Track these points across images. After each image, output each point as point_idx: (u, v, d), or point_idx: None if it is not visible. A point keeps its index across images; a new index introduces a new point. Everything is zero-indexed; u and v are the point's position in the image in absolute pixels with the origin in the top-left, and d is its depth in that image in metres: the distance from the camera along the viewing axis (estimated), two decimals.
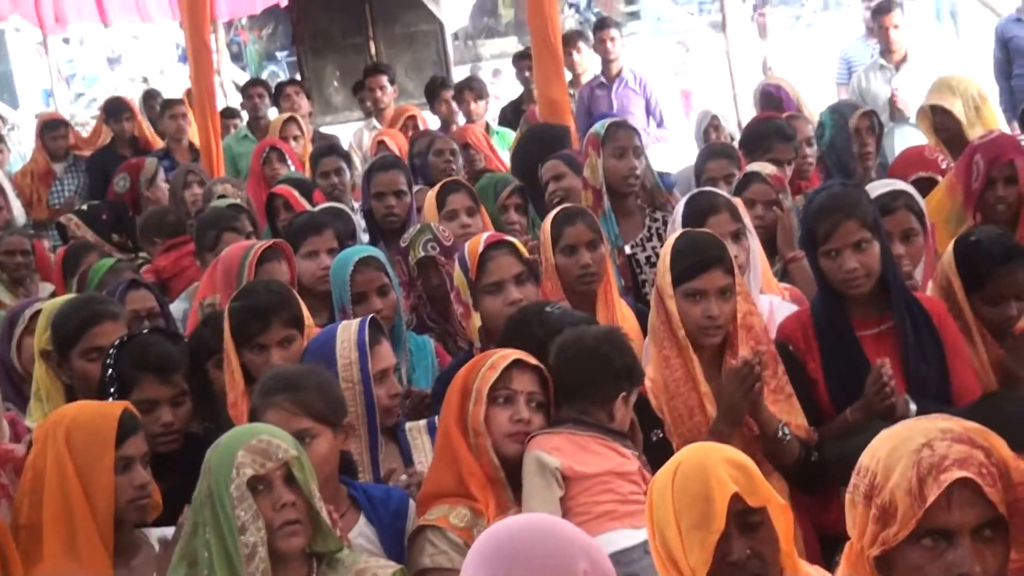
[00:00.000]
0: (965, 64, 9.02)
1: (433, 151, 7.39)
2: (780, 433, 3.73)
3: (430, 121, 9.85)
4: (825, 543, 3.67)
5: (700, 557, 2.62)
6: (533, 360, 3.51)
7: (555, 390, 3.54)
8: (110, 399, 3.84)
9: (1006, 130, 7.45)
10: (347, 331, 3.80)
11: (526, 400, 3.47)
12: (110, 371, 3.91)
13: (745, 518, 2.69)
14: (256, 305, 4.05)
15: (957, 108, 6.31)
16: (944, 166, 5.58)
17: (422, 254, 4.83)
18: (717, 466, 2.70)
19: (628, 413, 3.54)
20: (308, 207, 6.27)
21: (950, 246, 4.15)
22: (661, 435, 3.76)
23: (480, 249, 4.22)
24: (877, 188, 4.54)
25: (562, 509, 3.33)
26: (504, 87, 12.44)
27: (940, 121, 6.37)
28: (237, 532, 2.95)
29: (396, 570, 3.14)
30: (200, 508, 3.03)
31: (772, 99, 7.07)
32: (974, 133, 5.86)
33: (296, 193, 6.46)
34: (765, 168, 5.43)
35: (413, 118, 9.42)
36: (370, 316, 3.95)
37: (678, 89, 9.56)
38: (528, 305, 4.04)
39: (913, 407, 3.71)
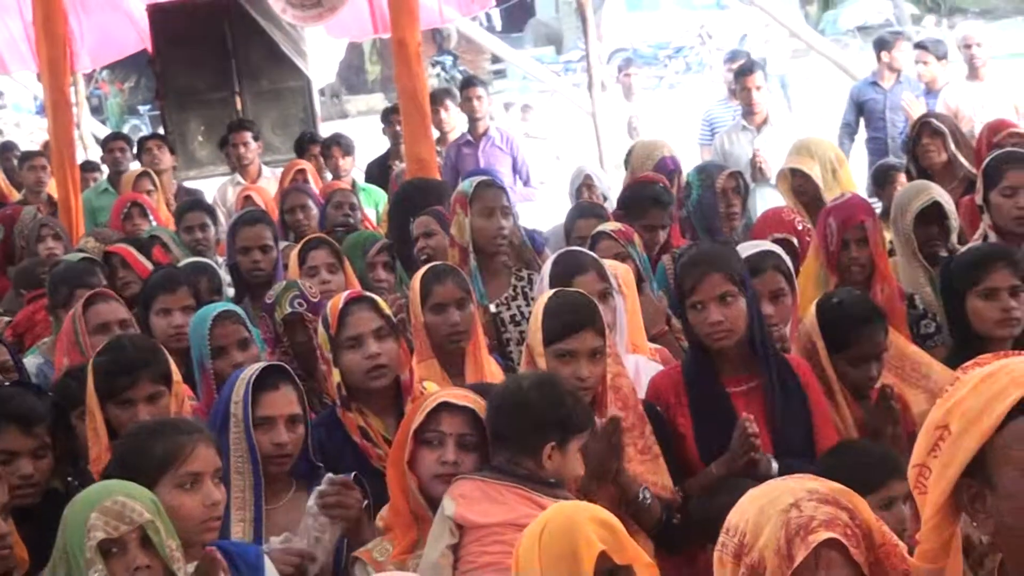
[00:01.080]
0: (819, 127, 9.26)
1: (332, 203, 7.37)
2: (641, 497, 3.76)
3: None
4: None
5: None
6: (463, 401, 3.55)
7: (489, 435, 3.55)
8: None
9: (862, 192, 7.66)
10: (249, 371, 3.81)
11: (455, 442, 3.51)
12: None
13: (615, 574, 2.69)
14: (123, 360, 4.00)
15: (815, 172, 6.46)
16: (800, 228, 5.70)
17: (288, 311, 4.78)
18: (584, 524, 2.71)
19: (567, 462, 3.50)
20: (148, 265, 6.20)
21: (812, 308, 4.23)
22: None
23: (340, 305, 4.20)
24: (746, 249, 4.61)
25: (455, 556, 3.38)
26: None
27: (799, 184, 6.52)
28: None
29: None
30: (56, 567, 2.97)
31: (668, 171, 7.11)
32: (831, 195, 5.99)
33: (133, 251, 6.37)
34: (609, 225, 5.47)
35: (303, 172, 9.37)
36: (277, 362, 3.94)
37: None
38: (365, 366, 4.05)
39: (775, 466, 3.77)
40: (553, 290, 4.12)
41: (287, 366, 3.98)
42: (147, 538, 2.96)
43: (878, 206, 6.87)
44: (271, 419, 3.75)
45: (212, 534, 3.29)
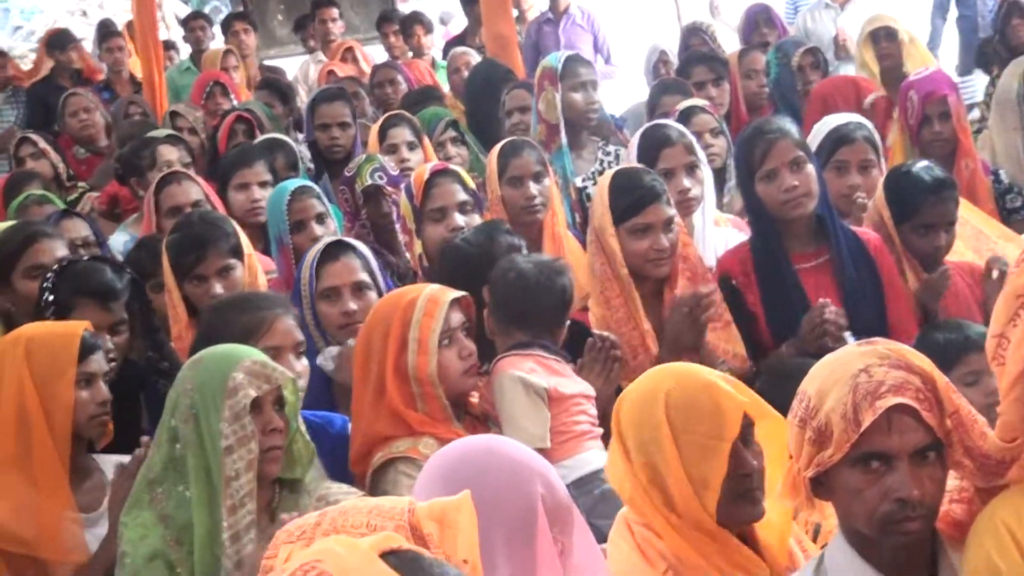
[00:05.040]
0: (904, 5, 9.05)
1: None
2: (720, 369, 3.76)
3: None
4: None
5: (714, 466, 2.47)
6: (454, 292, 3.41)
7: (500, 314, 3.54)
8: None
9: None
10: (314, 249, 3.83)
11: (464, 333, 3.43)
12: (47, 295, 3.82)
13: (747, 432, 2.57)
14: (191, 236, 4.02)
15: (900, 25, 6.31)
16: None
17: (369, 182, 4.79)
18: (718, 380, 2.57)
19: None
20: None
21: (881, 178, 4.15)
22: None
23: (426, 176, 4.21)
24: (835, 119, 4.54)
25: None
26: None
27: (885, 48, 6.31)
28: (223, 453, 2.84)
29: (359, 497, 3.06)
30: (181, 425, 2.90)
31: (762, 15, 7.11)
32: (908, 67, 5.89)
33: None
34: (699, 100, 5.41)
35: (351, 50, 9.34)
36: (340, 237, 3.91)
37: None
38: (448, 238, 4.04)
39: (851, 341, 3.70)
40: (613, 169, 4.10)
41: (355, 240, 3.97)
42: (279, 401, 2.95)
43: (970, 85, 6.75)
44: (336, 289, 3.75)
45: None
